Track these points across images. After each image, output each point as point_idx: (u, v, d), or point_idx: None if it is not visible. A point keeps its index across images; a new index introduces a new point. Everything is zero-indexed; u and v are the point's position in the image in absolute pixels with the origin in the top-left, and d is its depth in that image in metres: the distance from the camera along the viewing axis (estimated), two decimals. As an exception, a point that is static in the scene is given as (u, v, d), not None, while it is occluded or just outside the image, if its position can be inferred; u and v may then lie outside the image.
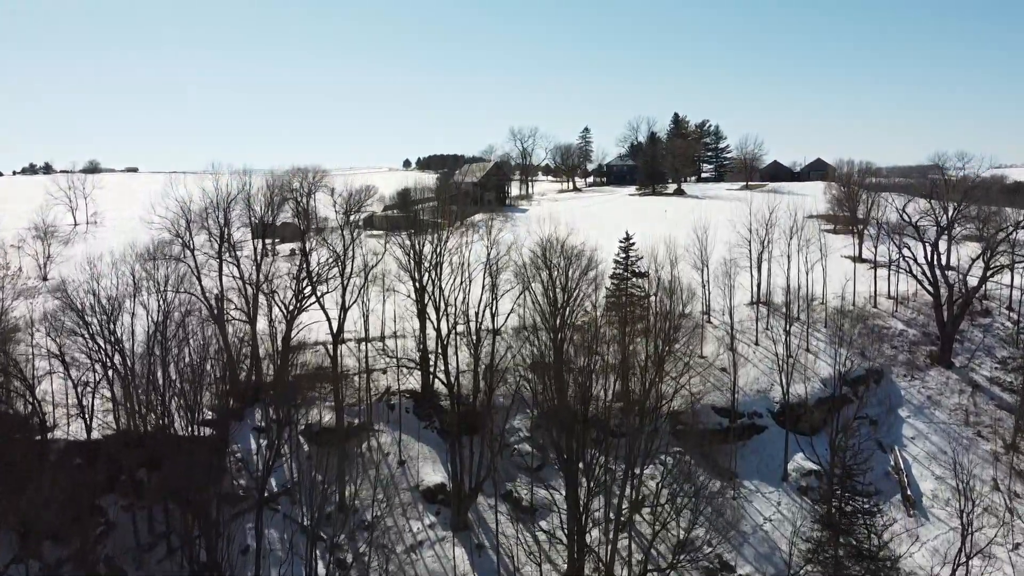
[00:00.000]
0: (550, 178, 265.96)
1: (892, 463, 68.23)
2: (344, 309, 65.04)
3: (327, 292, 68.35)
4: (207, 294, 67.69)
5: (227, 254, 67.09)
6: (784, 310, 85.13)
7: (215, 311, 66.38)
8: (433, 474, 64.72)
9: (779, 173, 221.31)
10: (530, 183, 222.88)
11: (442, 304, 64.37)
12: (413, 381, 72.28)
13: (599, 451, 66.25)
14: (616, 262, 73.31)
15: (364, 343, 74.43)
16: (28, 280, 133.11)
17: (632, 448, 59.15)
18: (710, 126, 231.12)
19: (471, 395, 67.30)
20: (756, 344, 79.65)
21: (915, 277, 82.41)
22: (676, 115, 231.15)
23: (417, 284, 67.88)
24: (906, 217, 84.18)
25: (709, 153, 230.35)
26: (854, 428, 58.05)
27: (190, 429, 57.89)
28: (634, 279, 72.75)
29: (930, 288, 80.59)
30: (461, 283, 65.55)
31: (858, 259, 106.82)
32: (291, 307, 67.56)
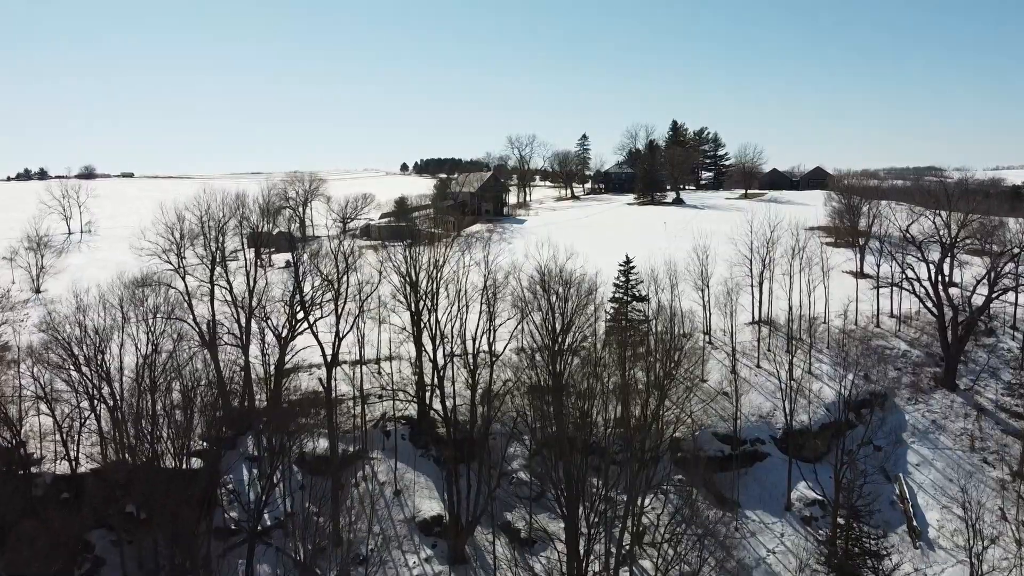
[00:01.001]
0: (548, 183, 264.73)
1: (897, 492, 67.04)
2: (338, 337, 63.63)
3: (321, 317, 67.01)
4: (198, 319, 66.48)
5: (219, 280, 65.58)
6: (786, 329, 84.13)
7: (207, 338, 64.98)
8: (430, 505, 63.36)
9: (778, 181, 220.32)
10: (528, 190, 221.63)
11: (438, 335, 63.02)
12: (409, 407, 70.90)
13: (599, 479, 65.21)
14: (616, 285, 72.03)
15: (359, 366, 73.05)
16: (20, 293, 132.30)
17: (634, 482, 58.00)
18: (708, 133, 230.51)
19: (468, 422, 66.16)
20: (758, 367, 78.40)
21: (919, 298, 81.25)
22: (674, 122, 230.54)
23: (413, 309, 66.51)
24: (909, 236, 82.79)
25: (708, 160, 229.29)
26: (859, 464, 56.90)
27: (181, 461, 56.54)
28: (634, 303, 71.37)
29: (934, 310, 79.37)
30: (458, 312, 64.22)
31: (859, 274, 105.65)
32: (284, 333, 66.23)
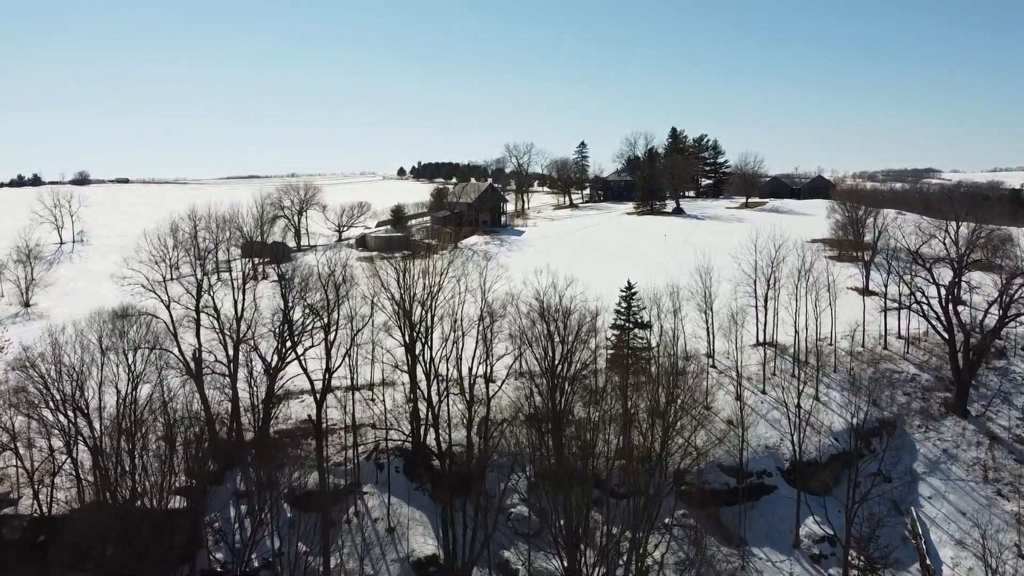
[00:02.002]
0: (545, 188, 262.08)
1: (909, 526, 64.64)
2: (328, 372, 61.19)
3: (312, 346, 64.55)
4: (184, 344, 64.04)
5: (208, 303, 63.10)
6: (792, 352, 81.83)
7: (192, 368, 62.54)
8: (424, 543, 60.87)
9: (779, 189, 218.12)
10: (526, 198, 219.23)
11: (432, 371, 60.59)
12: (403, 435, 68.42)
13: (600, 513, 62.88)
14: (617, 312, 69.59)
15: (351, 392, 70.58)
16: (9, 307, 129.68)
17: (639, 519, 55.67)
18: (708, 140, 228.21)
19: (465, 453, 63.84)
20: (763, 392, 75.97)
21: (929, 322, 78.92)
22: (674, 129, 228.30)
23: (406, 341, 64.03)
24: (920, 260, 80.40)
25: (707, 167, 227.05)
26: (870, 501, 54.56)
27: (163, 500, 54.13)
28: (636, 330, 68.97)
29: (944, 334, 77.02)
30: (453, 345, 61.77)
31: (865, 291, 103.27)
32: (273, 362, 63.82)
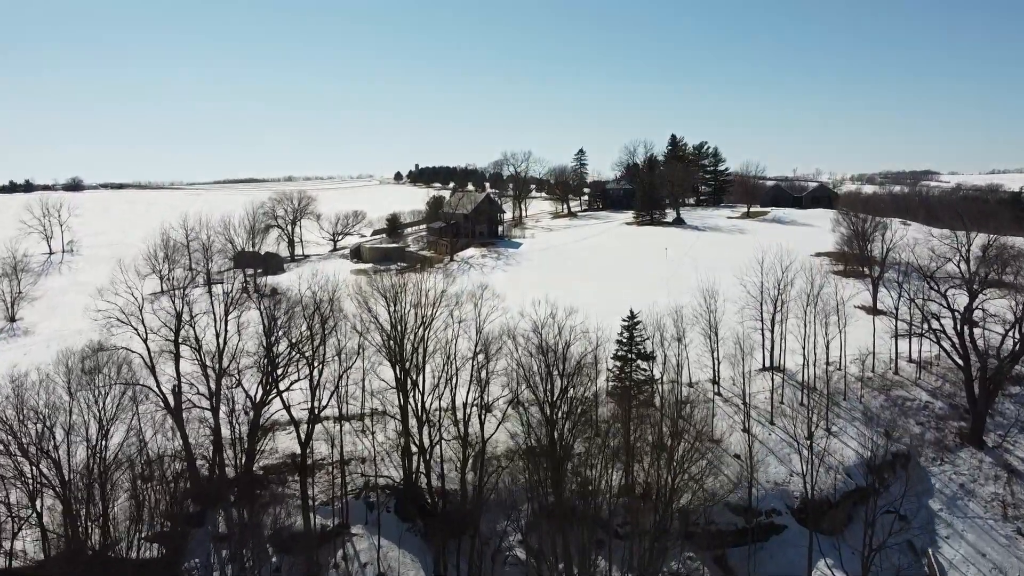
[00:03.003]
0: (543, 195, 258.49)
1: (926, 569, 61.51)
2: (314, 414, 58.01)
3: (298, 379, 61.37)
4: (165, 377, 60.78)
5: (187, 340, 59.85)
6: (800, 377, 78.81)
7: (171, 404, 59.31)
8: (416, 590, 57.65)
9: (780, 198, 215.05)
10: (524, 207, 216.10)
11: (423, 413, 57.39)
12: (394, 471, 65.22)
13: (603, 557, 59.93)
14: (619, 342, 66.38)
15: (339, 424, 67.37)
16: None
17: (642, 561, 52.61)
18: (708, 147, 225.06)
19: (459, 490, 60.81)
20: (771, 423, 72.80)
21: (944, 350, 75.82)
22: (673, 136, 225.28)
23: (398, 371, 60.81)
24: (934, 285, 77.23)
25: (707, 175, 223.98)
26: (886, 543, 51.44)
27: (138, 548, 50.98)
28: (639, 361, 65.81)
29: (960, 362, 73.92)
30: (447, 383, 58.57)
31: (874, 310, 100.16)
32: (257, 397, 60.62)
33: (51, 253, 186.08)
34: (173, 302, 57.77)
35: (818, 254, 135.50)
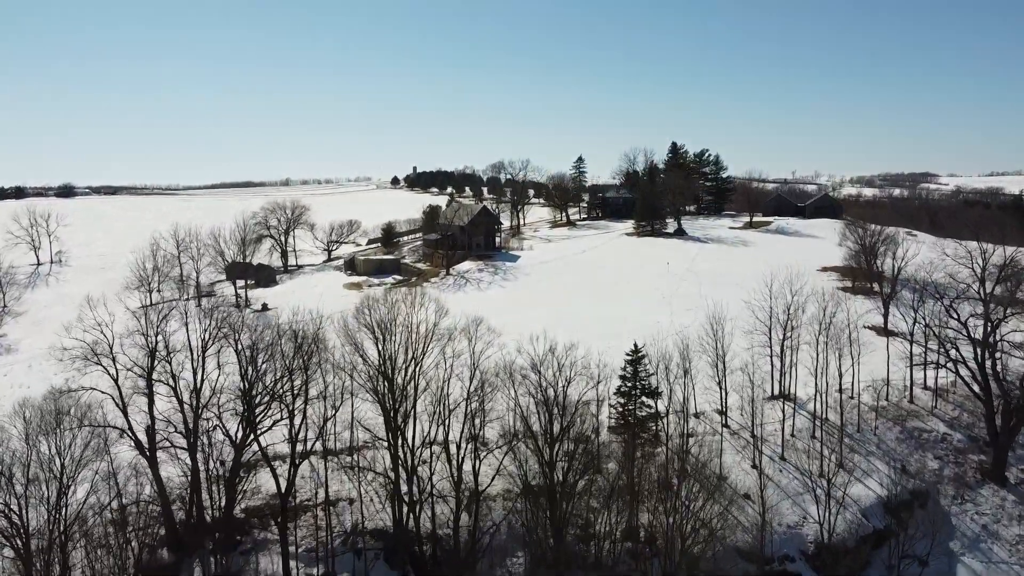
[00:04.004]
0: (541, 201, 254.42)
1: (950, 620, 57.87)
2: (294, 464, 54.29)
3: (282, 419, 57.55)
4: (142, 416, 56.97)
5: (162, 376, 56.03)
6: (811, 407, 75.19)
7: (144, 447, 55.49)
8: (405, 648, 53.89)
9: (783, 207, 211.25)
10: (522, 214, 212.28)
11: (413, 464, 53.60)
12: (385, 516, 61.40)
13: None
14: (623, 377, 62.60)
15: (324, 461, 63.51)
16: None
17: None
18: (709, 155, 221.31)
19: (452, 535, 57.10)
20: (782, 459, 69.02)
21: (964, 381, 72.20)
22: (674, 144, 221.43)
23: (387, 412, 57.00)
24: (955, 314, 73.54)
25: (709, 183, 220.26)
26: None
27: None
28: (644, 398, 62.07)
29: (981, 394, 70.25)
30: (441, 423, 54.80)
31: (884, 331, 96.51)
32: (238, 437, 56.81)
33: (39, 264, 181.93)
34: (146, 339, 53.86)
35: (824, 269, 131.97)
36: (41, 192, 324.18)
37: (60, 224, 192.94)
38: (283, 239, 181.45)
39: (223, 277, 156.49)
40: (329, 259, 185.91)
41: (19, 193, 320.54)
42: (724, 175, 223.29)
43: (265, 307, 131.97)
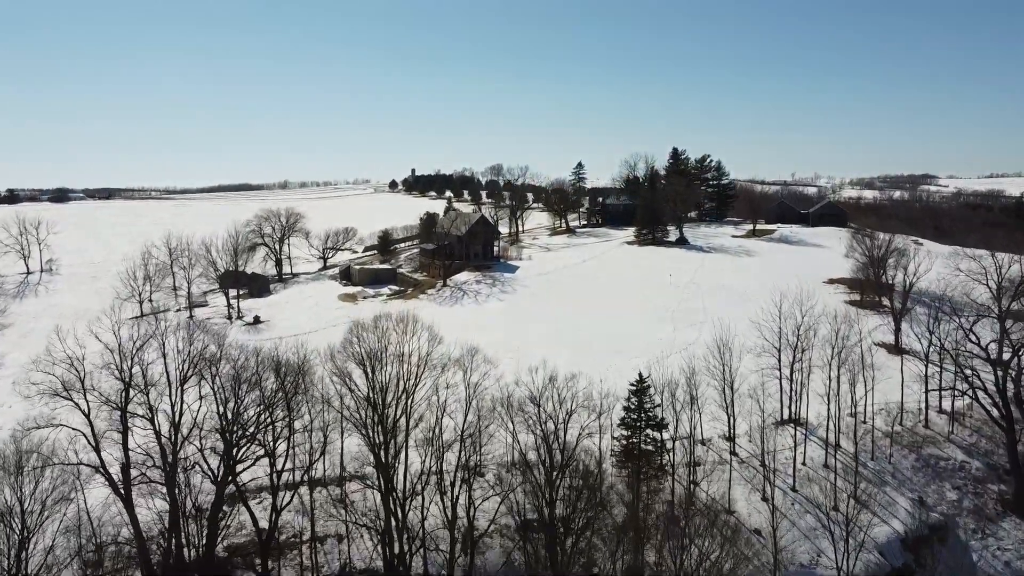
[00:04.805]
0: (540, 206, 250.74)
1: (973, 667, 54.61)
2: (276, 511, 50.89)
3: (263, 455, 54.25)
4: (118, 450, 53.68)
5: (138, 410, 52.69)
6: (822, 433, 72.04)
7: (119, 486, 52.16)
8: None
9: (786, 214, 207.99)
10: (521, 223, 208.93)
11: (402, 516, 50.26)
12: (376, 556, 58.03)
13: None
14: (627, 409, 59.29)
15: (311, 492, 60.19)
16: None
17: None
18: (711, 161, 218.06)
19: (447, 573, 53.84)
20: (794, 490, 65.70)
21: (985, 409, 69.01)
22: (675, 149, 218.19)
23: (377, 451, 53.69)
24: (974, 337, 70.33)
25: (711, 189, 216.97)
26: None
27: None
28: (649, 431, 58.77)
29: (1003, 422, 67.07)
30: (432, 469, 51.47)
31: (896, 349, 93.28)
32: (220, 473, 53.52)
33: (28, 273, 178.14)
34: (120, 372, 50.54)
35: (831, 281, 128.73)
36: (35, 197, 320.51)
37: (51, 232, 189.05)
38: (277, 247, 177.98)
39: (216, 287, 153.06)
40: (325, 267, 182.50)
41: (12, 198, 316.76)
42: (726, 181, 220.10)
43: (257, 320, 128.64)
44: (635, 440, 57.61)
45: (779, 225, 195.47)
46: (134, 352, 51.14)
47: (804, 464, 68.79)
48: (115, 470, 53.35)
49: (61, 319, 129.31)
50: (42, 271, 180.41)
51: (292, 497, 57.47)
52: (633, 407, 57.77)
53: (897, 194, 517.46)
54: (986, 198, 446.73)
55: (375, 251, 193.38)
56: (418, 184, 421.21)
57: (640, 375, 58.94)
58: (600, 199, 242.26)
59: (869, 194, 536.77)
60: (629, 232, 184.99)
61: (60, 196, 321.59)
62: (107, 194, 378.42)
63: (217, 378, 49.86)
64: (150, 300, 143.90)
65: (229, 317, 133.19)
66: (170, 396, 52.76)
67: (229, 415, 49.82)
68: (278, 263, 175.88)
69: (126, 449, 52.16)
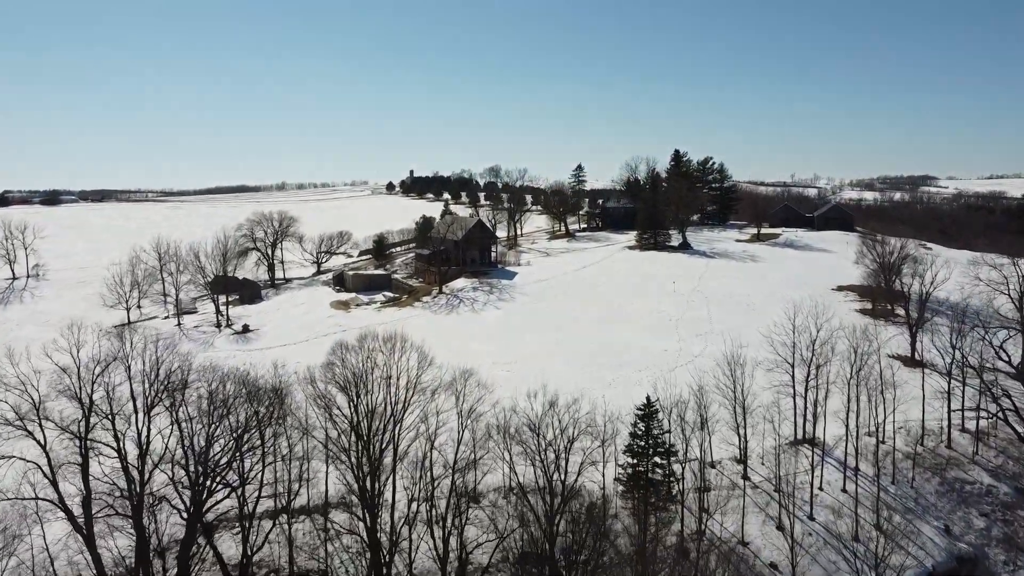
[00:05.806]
0: (539, 208, 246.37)
1: None
2: (248, 558, 46.42)
3: (242, 484, 49.85)
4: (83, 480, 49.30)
5: (101, 438, 48.28)
6: (838, 454, 67.80)
7: (78, 522, 47.78)
8: None
9: (791, 218, 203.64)
10: (519, 226, 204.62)
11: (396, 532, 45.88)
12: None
13: None
14: (633, 435, 54.90)
15: (290, 523, 55.78)
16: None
17: None
18: (713, 163, 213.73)
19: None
20: (811, 518, 61.34)
21: (1015, 430, 64.69)
22: (676, 152, 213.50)
23: (363, 482, 49.31)
24: (1005, 356, 66.03)
25: (714, 191, 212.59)
26: None
27: None
28: (656, 459, 54.40)
29: (1035, 446, 62.74)
30: (423, 495, 47.12)
31: (912, 361, 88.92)
32: (191, 508, 49.13)
33: (14, 279, 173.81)
34: (80, 399, 46.17)
35: (840, 288, 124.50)
36: (26, 199, 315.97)
37: (37, 236, 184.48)
38: (270, 252, 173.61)
39: (206, 293, 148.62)
40: (319, 272, 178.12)
41: (3, 200, 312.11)
42: (728, 184, 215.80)
43: (246, 328, 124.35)
44: (642, 468, 53.26)
45: (784, 229, 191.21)
46: (94, 376, 46.72)
47: (821, 489, 64.44)
48: (77, 501, 49.22)
49: (46, 327, 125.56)
50: (28, 276, 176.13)
51: (271, 529, 53.25)
52: (640, 433, 53.41)
53: (898, 195, 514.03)
54: (987, 199, 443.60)
55: (370, 256, 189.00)
56: (416, 186, 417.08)
57: (648, 399, 54.56)
58: (600, 201, 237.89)
59: (869, 195, 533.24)
60: (630, 236, 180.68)
61: (52, 198, 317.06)
62: (100, 196, 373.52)
63: (183, 408, 45.44)
64: (138, 307, 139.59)
65: (218, 325, 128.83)
66: (136, 424, 48.33)
67: (196, 448, 45.40)
68: (270, 268, 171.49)
69: (86, 481, 47.72)
